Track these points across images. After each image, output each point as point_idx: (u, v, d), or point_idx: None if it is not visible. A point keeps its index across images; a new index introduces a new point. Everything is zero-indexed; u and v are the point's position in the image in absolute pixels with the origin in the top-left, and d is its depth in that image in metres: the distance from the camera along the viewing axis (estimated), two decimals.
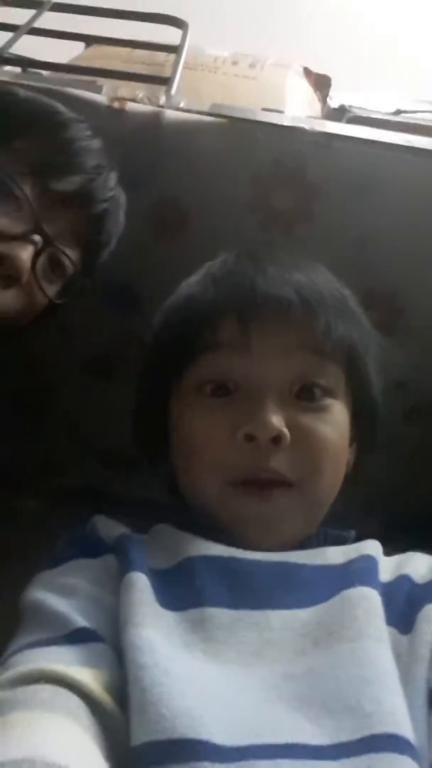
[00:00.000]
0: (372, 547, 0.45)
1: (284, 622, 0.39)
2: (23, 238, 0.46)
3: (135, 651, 0.35)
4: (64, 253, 0.49)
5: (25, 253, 0.45)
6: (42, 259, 0.47)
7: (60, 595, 0.40)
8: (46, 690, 0.33)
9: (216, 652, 0.37)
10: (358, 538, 0.47)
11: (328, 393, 0.45)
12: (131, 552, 0.42)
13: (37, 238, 0.46)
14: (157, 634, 0.37)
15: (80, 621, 0.38)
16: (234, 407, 0.44)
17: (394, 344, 0.65)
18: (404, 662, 0.37)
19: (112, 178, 0.52)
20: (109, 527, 0.46)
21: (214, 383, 0.45)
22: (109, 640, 0.38)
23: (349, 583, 0.40)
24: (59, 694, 0.33)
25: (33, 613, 0.40)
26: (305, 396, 0.45)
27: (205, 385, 0.45)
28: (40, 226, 0.46)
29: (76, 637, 0.37)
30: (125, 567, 0.41)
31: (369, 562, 0.43)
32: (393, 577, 0.43)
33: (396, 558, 0.46)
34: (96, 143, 0.51)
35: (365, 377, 0.48)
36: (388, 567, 0.44)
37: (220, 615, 0.39)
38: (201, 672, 0.36)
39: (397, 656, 0.37)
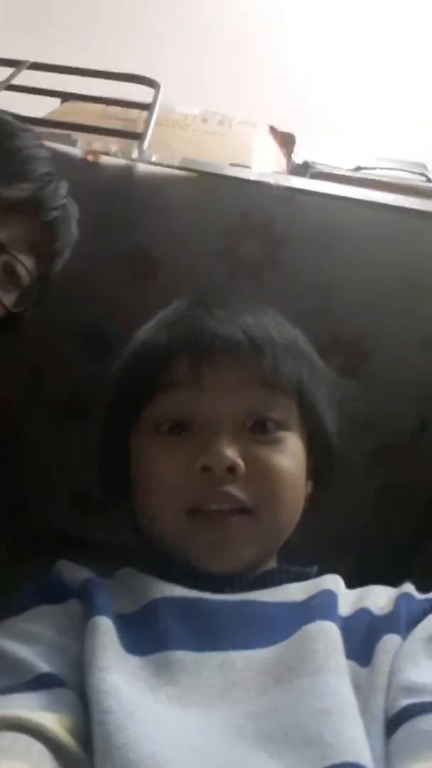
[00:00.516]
0: (331, 581, 0.45)
1: (247, 662, 0.39)
2: None
3: (100, 695, 0.35)
4: (18, 261, 0.49)
5: None
6: None
7: (22, 642, 0.39)
8: (5, 737, 0.32)
9: (181, 695, 0.37)
10: (321, 574, 0.47)
11: (281, 426, 0.47)
12: (96, 596, 0.42)
13: None
14: (122, 678, 0.37)
15: (43, 666, 0.37)
16: (190, 443, 0.46)
17: (360, 388, 0.67)
18: (363, 693, 0.38)
19: (63, 186, 0.52)
20: (73, 572, 0.46)
21: (171, 421, 0.47)
22: (73, 686, 0.37)
23: (309, 618, 0.40)
24: (19, 741, 0.33)
25: None
26: (258, 429, 0.47)
27: (162, 424, 0.47)
28: None
29: (38, 682, 0.37)
30: (89, 611, 0.41)
31: (328, 597, 0.43)
32: (353, 611, 0.44)
33: (357, 591, 0.47)
34: (44, 152, 0.52)
35: (317, 412, 0.50)
36: (349, 601, 0.45)
37: (185, 658, 0.39)
38: (166, 715, 0.36)
39: (357, 688, 0.38)
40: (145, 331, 0.52)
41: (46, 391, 0.70)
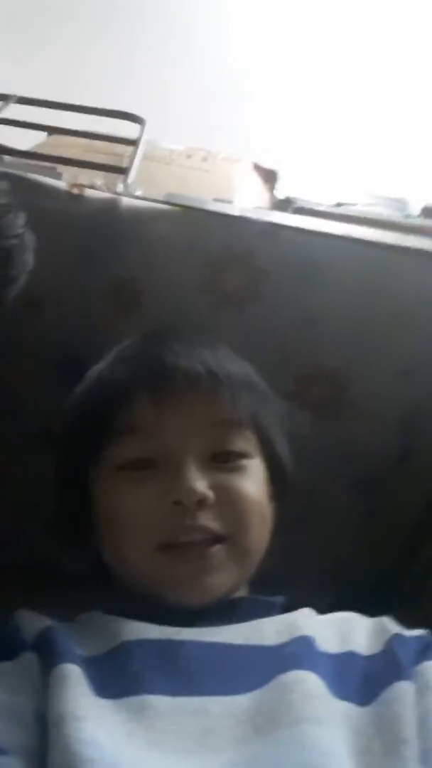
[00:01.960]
0: (304, 621, 0.45)
1: (223, 709, 0.38)
2: None
3: (80, 745, 0.34)
4: None
5: None
6: None
7: None
8: None
9: (159, 740, 0.36)
10: (297, 605, 0.47)
11: (243, 456, 0.49)
12: (58, 644, 0.41)
13: None
14: (99, 727, 0.36)
15: None
16: (156, 478, 0.46)
17: (340, 418, 0.68)
18: (367, 735, 0.37)
19: (21, 217, 0.54)
20: (31, 621, 0.45)
21: (135, 461, 0.47)
22: (20, 748, 0.36)
23: (283, 667, 0.40)
24: None
25: None
26: (222, 458, 0.48)
27: (126, 464, 0.47)
28: None
29: None
30: (53, 660, 0.40)
31: (304, 644, 0.43)
32: (340, 651, 0.43)
33: (333, 621, 0.46)
34: (2, 185, 0.53)
35: (273, 440, 0.52)
36: (330, 634, 0.44)
37: (159, 703, 0.38)
38: (146, 763, 0.35)
39: (355, 731, 0.37)
40: (100, 369, 0.52)
41: (22, 420, 0.69)
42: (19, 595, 0.48)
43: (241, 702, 0.39)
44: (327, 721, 0.37)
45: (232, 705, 0.38)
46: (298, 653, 0.42)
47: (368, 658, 0.43)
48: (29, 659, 0.42)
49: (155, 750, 0.36)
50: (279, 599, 0.49)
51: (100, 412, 0.48)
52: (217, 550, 0.45)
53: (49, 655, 0.41)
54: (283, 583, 0.49)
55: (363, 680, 0.41)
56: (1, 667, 0.42)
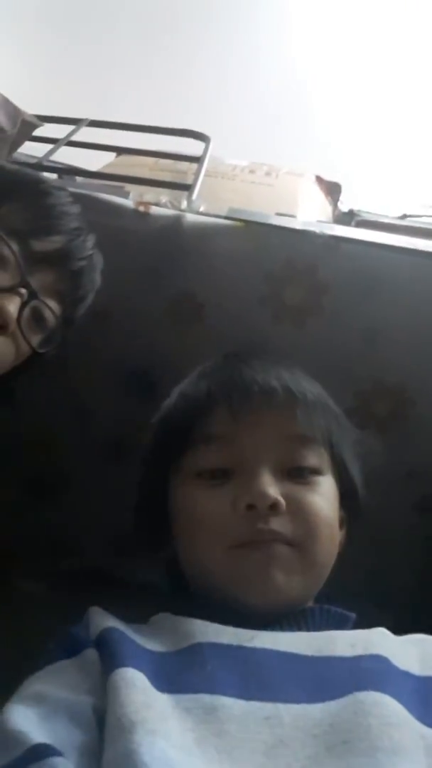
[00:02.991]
0: (380, 643, 0.44)
1: (295, 718, 0.38)
2: (11, 290, 0.49)
3: (150, 760, 0.34)
4: (47, 305, 0.52)
5: (12, 305, 0.49)
6: (27, 311, 0.51)
7: (28, 704, 0.39)
8: None
9: (229, 749, 0.36)
10: (359, 622, 0.47)
11: (315, 472, 0.50)
12: (119, 646, 0.42)
13: (23, 291, 0.50)
14: (169, 738, 0.36)
15: (36, 737, 0.36)
16: (232, 485, 0.48)
17: (406, 434, 0.66)
18: None
19: (90, 239, 0.56)
20: (98, 619, 0.46)
21: (213, 470, 0.49)
22: (78, 749, 0.36)
23: (361, 685, 0.39)
24: None
25: None
26: (295, 474, 0.49)
27: (204, 471, 0.49)
28: (26, 281, 0.50)
29: (26, 759, 0.35)
30: (115, 661, 0.40)
31: (381, 663, 0.42)
32: (423, 674, 0.42)
33: (411, 641, 0.46)
34: (75, 208, 0.56)
35: (345, 462, 0.52)
36: (410, 655, 0.43)
37: (232, 705, 0.38)
38: None
39: None
40: (185, 384, 0.55)
41: (92, 432, 0.71)
42: (83, 602, 0.49)
43: (314, 712, 0.38)
44: (405, 751, 0.36)
45: (305, 715, 0.38)
46: (375, 671, 0.41)
47: None
48: (89, 655, 0.42)
49: (225, 761, 0.35)
50: (353, 615, 0.49)
51: (183, 423, 0.51)
52: (283, 548, 0.46)
53: (111, 655, 0.41)
54: (345, 607, 0.49)
55: None
56: (64, 664, 0.43)
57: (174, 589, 0.52)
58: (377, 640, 0.44)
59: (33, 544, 0.74)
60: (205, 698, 0.38)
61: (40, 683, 0.41)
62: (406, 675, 0.41)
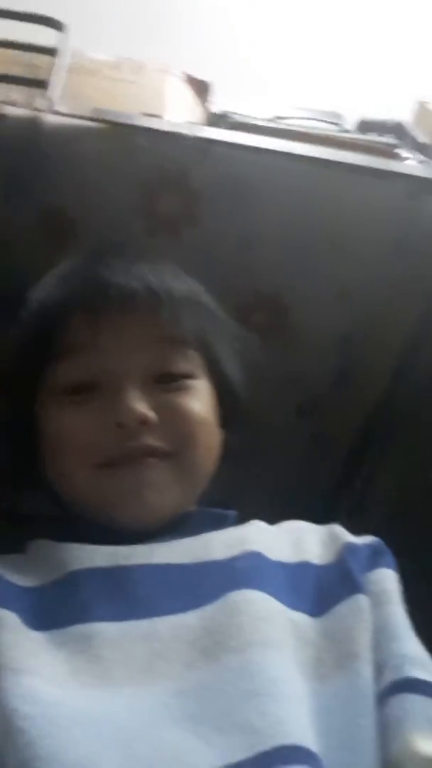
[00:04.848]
0: (255, 539, 0.45)
1: (172, 629, 0.38)
2: None
3: (16, 700, 0.33)
4: None
5: None
6: None
7: None
8: None
9: (104, 673, 0.36)
10: (241, 517, 0.47)
11: (187, 376, 0.47)
12: None
13: None
14: (39, 675, 0.35)
15: None
16: (99, 401, 0.45)
17: (283, 341, 0.68)
18: (319, 645, 0.38)
19: None
20: None
21: (76, 384, 0.46)
22: None
23: (234, 585, 0.40)
24: None
25: None
26: (165, 380, 0.47)
27: (68, 386, 0.46)
28: None
29: None
30: None
31: (254, 560, 0.42)
32: (295, 560, 0.44)
33: (285, 529, 0.47)
34: None
35: (221, 362, 0.50)
36: (283, 543, 0.45)
37: (107, 629, 0.37)
38: (91, 703, 0.34)
39: (307, 641, 0.38)
40: (40, 288, 0.50)
41: None
42: None
43: (189, 620, 0.38)
44: (276, 643, 0.37)
45: (182, 624, 0.38)
46: (249, 569, 0.41)
47: (322, 567, 0.44)
48: None
49: (100, 685, 0.35)
50: (231, 513, 0.49)
51: (40, 335, 0.46)
52: (156, 462, 0.44)
53: None
54: (228, 505, 0.50)
55: (316, 591, 0.42)
56: None
57: (54, 519, 0.50)
58: (252, 536, 0.45)
59: None
60: (80, 628, 0.37)
61: None
62: (278, 565, 0.43)
